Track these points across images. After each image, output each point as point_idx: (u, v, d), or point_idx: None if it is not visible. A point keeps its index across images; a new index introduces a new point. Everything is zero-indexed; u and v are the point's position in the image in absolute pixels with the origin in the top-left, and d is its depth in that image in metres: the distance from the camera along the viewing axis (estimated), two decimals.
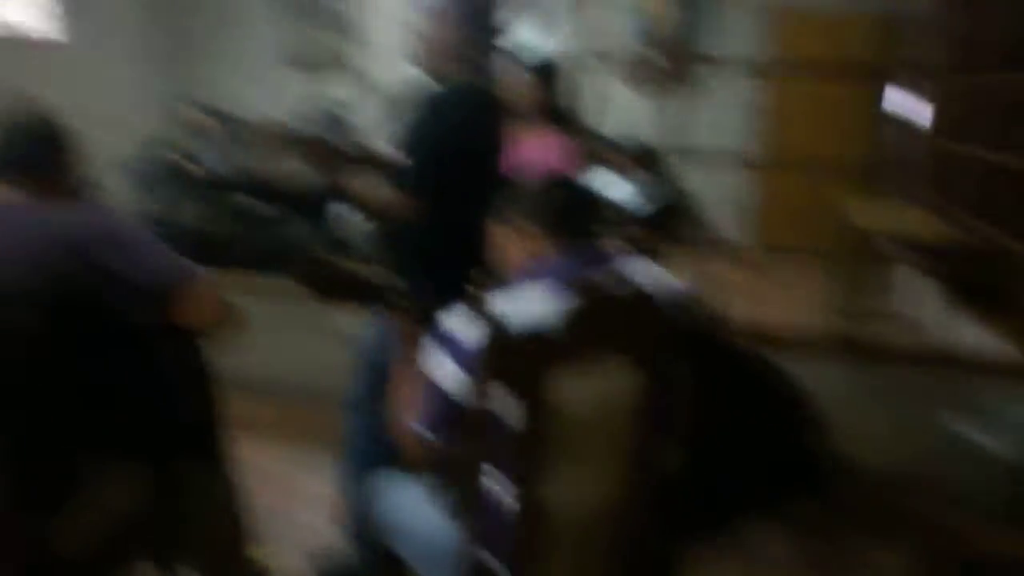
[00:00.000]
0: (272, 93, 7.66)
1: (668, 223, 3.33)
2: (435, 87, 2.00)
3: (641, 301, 1.24)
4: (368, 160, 2.38)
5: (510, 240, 1.50)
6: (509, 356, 1.14)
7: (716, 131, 6.69)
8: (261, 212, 4.78)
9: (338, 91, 7.15)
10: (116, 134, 7.16)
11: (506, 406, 1.19)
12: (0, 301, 1.25)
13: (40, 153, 1.64)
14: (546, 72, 2.81)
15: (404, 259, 2.03)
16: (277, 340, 3.50)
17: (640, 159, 4.32)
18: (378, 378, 1.68)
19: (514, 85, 2.73)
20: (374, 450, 1.88)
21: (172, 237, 4.83)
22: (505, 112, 2.26)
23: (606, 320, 1.18)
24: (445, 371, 1.33)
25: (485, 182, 1.95)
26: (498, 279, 1.51)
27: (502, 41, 2.92)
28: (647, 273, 1.44)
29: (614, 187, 4.58)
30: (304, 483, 2.83)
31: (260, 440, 3.06)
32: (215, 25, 8.05)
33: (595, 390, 1.24)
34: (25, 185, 1.61)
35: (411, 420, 1.42)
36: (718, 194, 6.76)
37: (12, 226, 1.53)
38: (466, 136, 1.91)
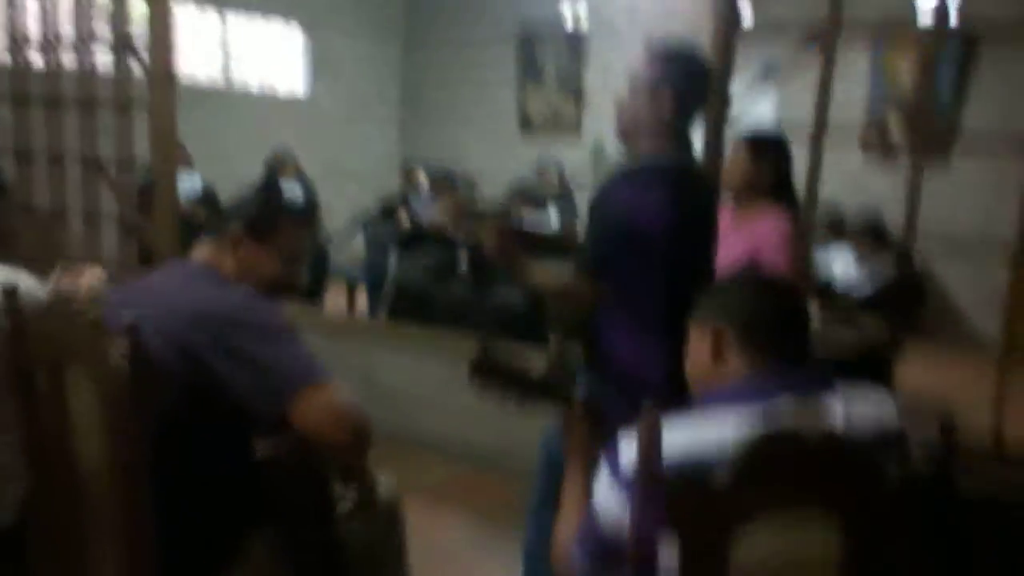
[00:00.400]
0: (506, 156, 7.93)
1: (904, 311, 2.91)
2: (631, 161, 1.84)
3: (850, 444, 0.99)
4: (556, 242, 2.27)
5: (700, 346, 1.28)
6: (668, 495, 0.94)
7: (972, 213, 5.97)
8: (476, 273, 4.84)
9: (570, 155, 7.22)
10: (354, 187, 7.76)
11: (667, 552, 0.99)
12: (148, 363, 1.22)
13: (237, 221, 1.60)
14: (767, 144, 2.56)
15: (588, 353, 1.86)
16: (463, 401, 3.47)
17: (875, 239, 3.89)
18: (559, 481, 1.52)
19: (730, 160, 2.51)
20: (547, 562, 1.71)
21: (388, 290, 5.02)
22: (714, 191, 2.05)
23: (799, 463, 0.95)
24: (607, 498, 1.15)
25: (678, 270, 1.75)
26: (684, 393, 1.31)
27: (715, 111, 2.72)
28: (865, 403, 1.16)
29: (842, 269, 4.16)
30: (484, 567, 2.68)
31: (438, 508, 3.00)
32: (453, 87, 8.49)
33: (781, 548, 1.00)
34: (219, 246, 1.59)
35: (568, 542, 1.25)
36: (973, 283, 6.01)
37: (159, 288, 1.51)
38: (654, 215, 1.70)
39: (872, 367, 3.13)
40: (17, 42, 4.33)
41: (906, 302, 2.92)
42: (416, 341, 3.68)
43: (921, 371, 4.02)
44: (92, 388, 1.21)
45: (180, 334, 1.38)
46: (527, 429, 2.79)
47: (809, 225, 2.71)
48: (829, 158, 2.81)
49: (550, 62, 7.87)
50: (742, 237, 2.37)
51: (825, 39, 2.62)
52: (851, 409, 1.13)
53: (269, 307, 1.46)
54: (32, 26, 4.32)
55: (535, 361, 1.41)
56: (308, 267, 5.76)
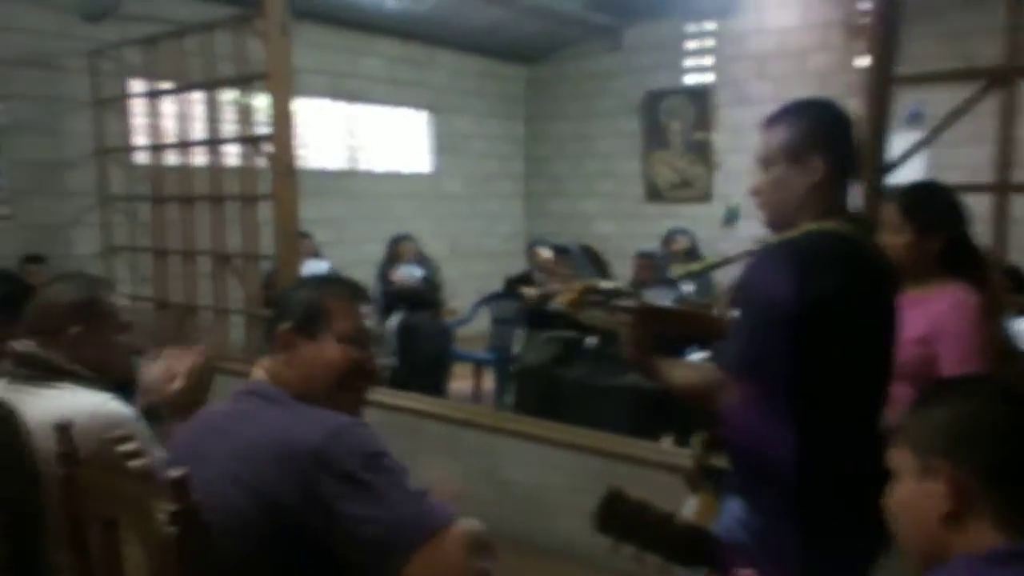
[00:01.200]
0: (632, 225, 7.69)
1: None
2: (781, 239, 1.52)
3: None
4: (701, 321, 1.96)
5: (920, 491, 0.92)
6: None
7: None
8: (603, 353, 4.55)
9: (701, 222, 6.87)
10: (481, 265, 7.69)
11: None
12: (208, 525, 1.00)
13: (284, 323, 1.35)
14: (927, 206, 2.08)
15: (739, 476, 1.53)
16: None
17: None
18: None
19: (885, 230, 2.09)
20: None
21: (516, 374, 4.77)
22: (888, 264, 1.68)
23: None
24: None
25: (837, 359, 1.41)
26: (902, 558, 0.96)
27: (871, 170, 2.37)
28: None
29: None
30: None
31: None
32: (577, 159, 8.37)
33: None
34: (274, 358, 1.36)
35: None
36: None
37: (226, 422, 1.28)
38: (799, 292, 1.37)
39: None
40: (156, 145, 4.52)
41: None
42: (545, 432, 3.39)
43: None
44: (141, 550, 1.02)
45: (259, 483, 1.15)
46: None
47: (1000, 293, 2.26)
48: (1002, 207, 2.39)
49: (675, 126, 7.61)
50: (915, 320, 1.95)
51: (1006, 79, 2.24)
52: None
53: (361, 435, 1.21)
54: (169, 128, 4.51)
55: (671, 523, 1.10)
56: (399, 351, 5.54)
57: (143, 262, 4.73)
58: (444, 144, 7.97)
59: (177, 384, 1.70)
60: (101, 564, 1.10)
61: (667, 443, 3.74)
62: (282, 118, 3.73)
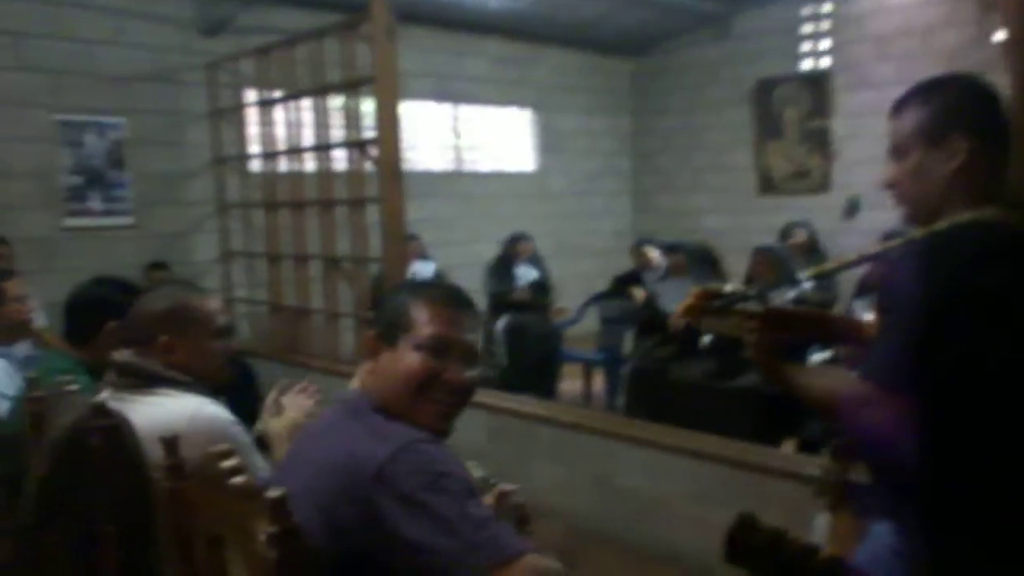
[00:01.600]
0: (744, 219, 7.41)
1: None
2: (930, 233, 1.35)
3: None
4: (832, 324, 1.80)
5: None
6: None
7: None
8: (720, 353, 4.38)
9: (819, 214, 6.52)
10: (588, 263, 7.57)
11: None
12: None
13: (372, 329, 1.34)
14: None
15: (886, 496, 1.37)
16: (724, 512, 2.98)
17: None
18: None
19: None
20: None
21: (628, 375, 4.64)
22: None
23: None
24: None
25: (1017, 382, 1.24)
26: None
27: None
28: None
29: None
30: None
31: None
32: (685, 152, 8.14)
33: None
34: (366, 368, 1.34)
35: None
36: None
37: (319, 435, 1.25)
38: (966, 299, 1.21)
39: None
40: (268, 152, 4.64)
41: None
42: (658, 436, 3.25)
43: None
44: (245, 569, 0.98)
45: (327, 502, 1.11)
46: None
47: None
48: None
49: (790, 114, 7.27)
50: None
51: None
52: None
53: (427, 453, 1.14)
54: (280, 135, 4.62)
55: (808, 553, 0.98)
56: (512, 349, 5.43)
57: (258, 266, 4.86)
58: (548, 142, 7.90)
59: (287, 418, 1.71)
60: None
61: (789, 449, 3.55)
62: (388, 121, 3.75)
